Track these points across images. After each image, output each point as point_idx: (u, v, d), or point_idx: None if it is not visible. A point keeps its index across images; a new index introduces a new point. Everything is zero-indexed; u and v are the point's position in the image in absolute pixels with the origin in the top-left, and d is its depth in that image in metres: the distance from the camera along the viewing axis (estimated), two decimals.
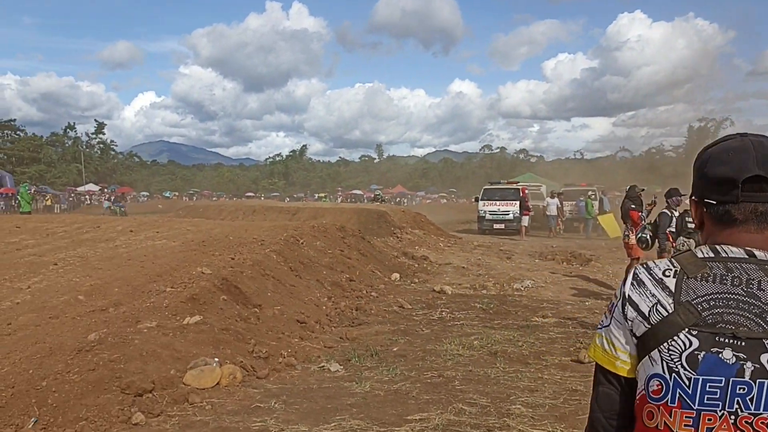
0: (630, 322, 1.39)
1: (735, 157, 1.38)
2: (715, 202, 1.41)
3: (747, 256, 1.35)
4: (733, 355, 1.27)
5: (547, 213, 27.47)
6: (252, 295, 8.43)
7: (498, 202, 27.46)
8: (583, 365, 6.75)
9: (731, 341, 1.28)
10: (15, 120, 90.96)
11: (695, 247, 1.44)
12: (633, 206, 11.35)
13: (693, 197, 1.49)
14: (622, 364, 1.41)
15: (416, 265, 15.32)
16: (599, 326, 1.48)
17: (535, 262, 17.12)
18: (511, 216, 26.92)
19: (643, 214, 11.21)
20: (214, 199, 70.92)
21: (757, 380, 1.27)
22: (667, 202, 9.82)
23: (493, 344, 7.66)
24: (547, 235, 27.06)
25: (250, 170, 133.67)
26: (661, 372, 1.33)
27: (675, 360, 1.31)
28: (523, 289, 12.26)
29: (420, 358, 7.13)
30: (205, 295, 7.76)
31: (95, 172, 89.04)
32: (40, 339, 6.36)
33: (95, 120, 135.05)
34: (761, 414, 1.27)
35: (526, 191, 28.08)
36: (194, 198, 73.89)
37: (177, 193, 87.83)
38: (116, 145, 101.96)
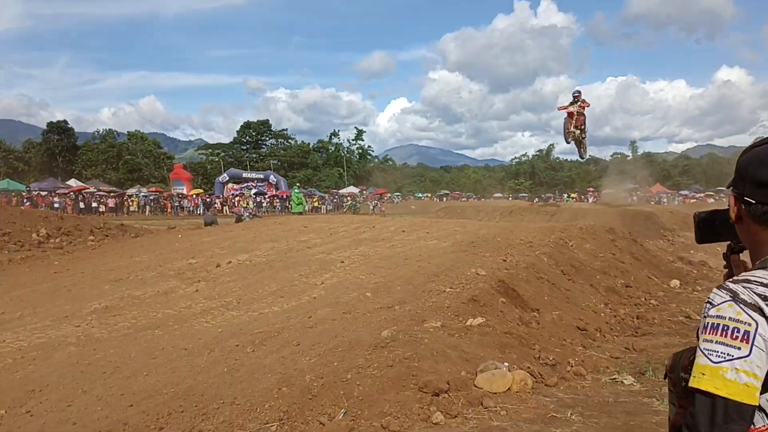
0: None
1: None
2: (754, 202, 1.49)
3: None
4: None
5: None
6: (529, 298, 8.27)
7: None
8: None
9: None
10: (287, 129, 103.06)
11: None
12: None
13: (733, 192, 1.57)
14: (758, 394, 1.34)
15: (695, 272, 13.94)
16: (723, 359, 1.35)
17: None
18: None
19: None
20: (463, 200, 72.41)
21: None
22: None
23: None
24: None
25: (496, 171, 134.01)
26: None
27: None
28: None
29: None
30: (484, 297, 7.78)
31: (354, 176, 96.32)
32: (338, 333, 6.83)
33: (355, 127, 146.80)
34: None
35: None
36: (444, 199, 76.08)
37: (429, 195, 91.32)
38: (372, 150, 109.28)
